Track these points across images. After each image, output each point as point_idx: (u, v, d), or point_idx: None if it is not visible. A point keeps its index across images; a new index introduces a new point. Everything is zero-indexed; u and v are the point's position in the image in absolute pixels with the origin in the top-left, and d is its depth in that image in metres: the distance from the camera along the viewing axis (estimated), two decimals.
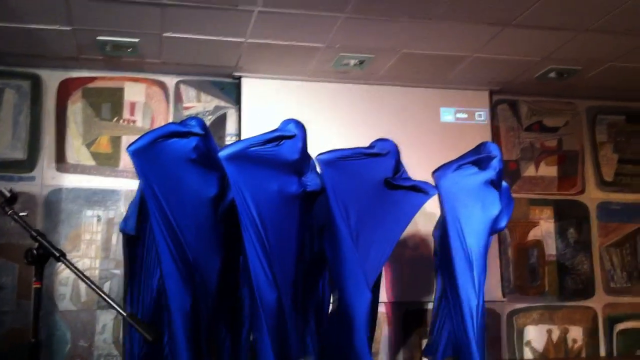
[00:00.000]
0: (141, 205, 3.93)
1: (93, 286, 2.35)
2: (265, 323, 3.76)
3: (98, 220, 5.11)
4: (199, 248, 3.82)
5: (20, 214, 2.39)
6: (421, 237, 5.30)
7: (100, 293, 2.34)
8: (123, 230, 4.06)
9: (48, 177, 5.10)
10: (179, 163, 3.78)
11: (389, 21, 4.50)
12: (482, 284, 4.18)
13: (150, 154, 3.73)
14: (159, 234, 3.76)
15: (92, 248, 5.05)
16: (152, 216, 3.78)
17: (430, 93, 5.79)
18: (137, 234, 3.95)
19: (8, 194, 2.40)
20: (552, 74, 5.52)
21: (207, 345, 3.89)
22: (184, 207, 3.78)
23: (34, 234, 2.33)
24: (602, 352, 5.79)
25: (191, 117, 4.12)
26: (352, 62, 5.23)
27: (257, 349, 3.87)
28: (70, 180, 5.13)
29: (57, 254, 2.30)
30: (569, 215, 5.97)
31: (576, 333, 5.78)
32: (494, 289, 5.44)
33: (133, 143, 3.74)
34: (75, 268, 2.36)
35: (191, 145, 3.81)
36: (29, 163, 5.11)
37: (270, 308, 3.78)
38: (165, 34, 4.68)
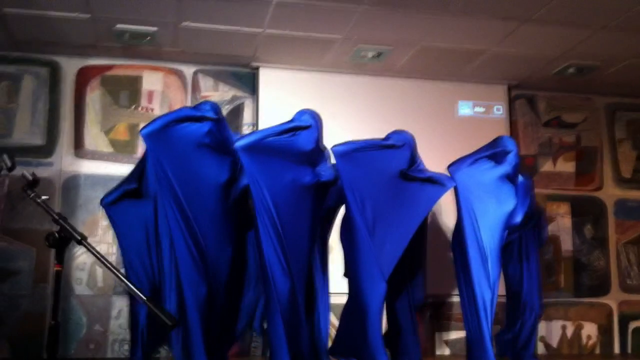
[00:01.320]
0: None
1: (113, 269, 2.37)
2: (279, 312, 3.77)
3: None
4: (210, 235, 3.78)
5: (42, 197, 2.41)
6: (438, 230, 5.28)
7: (120, 276, 2.36)
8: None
9: (66, 164, 5.15)
10: (192, 147, 3.74)
11: (407, 14, 4.49)
12: (496, 278, 4.17)
13: (163, 138, 3.70)
14: (172, 219, 3.72)
15: (109, 234, 5.05)
16: (165, 201, 3.76)
17: (447, 86, 5.76)
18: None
19: (30, 178, 2.41)
20: (571, 70, 5.48)
21: (220, 334, 3.90)
22: (197, 191, 3.74)
23: (56, 217, 2.34)
24: (616, 350, 5.76)
25: (205, 102, 4.04)
26: (370, 54, 5.21)
27: (269, 337, 3.88)
28: (88, 167, 5.17)
29: (79, 237, 2.31)
30: (586, 212, 5.93)
31: (590, 330, 5.76)
32: None
33: (146, 126, 3.72)
34: (96, 251, 2.37)
35: (204, 130, 3.76)
36: (47, 149, 5.15)
37: (284, 297, 3.78)
38: (182, 24, 4.69)
